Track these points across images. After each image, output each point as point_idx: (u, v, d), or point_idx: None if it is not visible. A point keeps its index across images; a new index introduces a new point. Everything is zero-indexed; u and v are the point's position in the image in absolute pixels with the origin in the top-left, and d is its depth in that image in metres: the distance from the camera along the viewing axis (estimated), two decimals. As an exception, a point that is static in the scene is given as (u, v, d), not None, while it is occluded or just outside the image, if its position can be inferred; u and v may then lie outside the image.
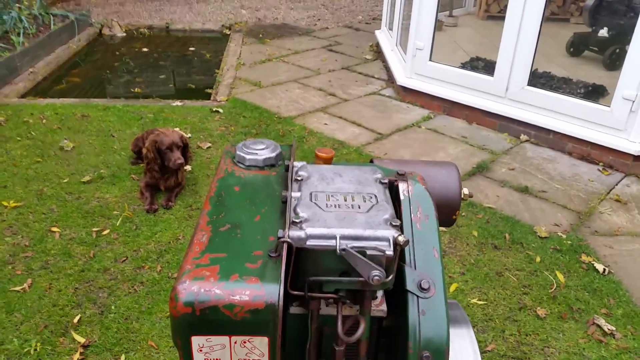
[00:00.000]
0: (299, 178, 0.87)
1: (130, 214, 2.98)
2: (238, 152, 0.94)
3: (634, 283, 2.57)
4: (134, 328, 2.21)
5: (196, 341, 0.69)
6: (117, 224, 2.89)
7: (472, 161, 3.68)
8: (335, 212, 0.78)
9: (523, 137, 4.06)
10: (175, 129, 3.39)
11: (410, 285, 0.80)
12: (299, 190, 0.84)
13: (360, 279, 0.73)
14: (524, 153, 3.86)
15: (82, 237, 2.77)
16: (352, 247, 0.72)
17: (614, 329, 2.26)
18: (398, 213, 0.86)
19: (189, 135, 3.90)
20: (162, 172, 3.10)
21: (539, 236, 2.88)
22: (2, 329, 2.18)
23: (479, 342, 1.78)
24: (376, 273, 0.71)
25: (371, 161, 1.04)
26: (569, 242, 2.84)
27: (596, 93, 4.29)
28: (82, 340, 2.13)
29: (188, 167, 3.41)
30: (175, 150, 3.03)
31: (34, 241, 2.72)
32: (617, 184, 3.49)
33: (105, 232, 2.81)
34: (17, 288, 2.39)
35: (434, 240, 0.83)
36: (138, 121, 4.18)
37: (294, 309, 0.83)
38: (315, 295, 0.77)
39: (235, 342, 0.70)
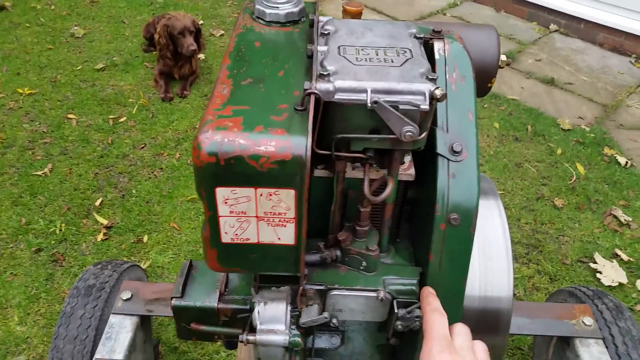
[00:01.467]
0: (325, 32, 0.80)
1: (145, 102, 2.94)
2: (257, 7, 0.87)
3: (655, 176, 2.53)
4: (156, 211, 2.26)
5: (221, 193, 0.68)
6: (134, 112, 2.86)
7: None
8: (366, 65, 0.72)
9: (553, 26, 3.83)
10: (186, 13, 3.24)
11: (442, 148, 0.76)
12: (326, 44, 0.78)
13: (392, 136, 0.69)
14: (552, 43, 3.66)
15: (99, 124, 2.76)
16: (385, 101, 0.67)
17: (630, 219, 2.26)
18: (433, 69, 0.80)
19: (201, 22, 3.74)
20: (175, 59, 3.01)
21: (562, 128, 2.80)
22: (28, 210, 2.24)
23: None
24: (409, 129, 0.67)
25: None
26: (592, 134, 2.77)
27: (637, -22, 3.98)
28: (104, 221, 2.19)
29: (201, 56, 3.31)
30: (187, 35, 2.91)
31: (51, 127, 2.73)
32: (648, 77, 3.33)
33: (122, 120, 2.80)
34: (39, 172, 2.43)
35: (470, 103, 0.78)
36: (148, 7, 4.01)
37: (319, 172, 0.81)
38: (342, 155, 0.74)
39: (261, 195, 0.68)
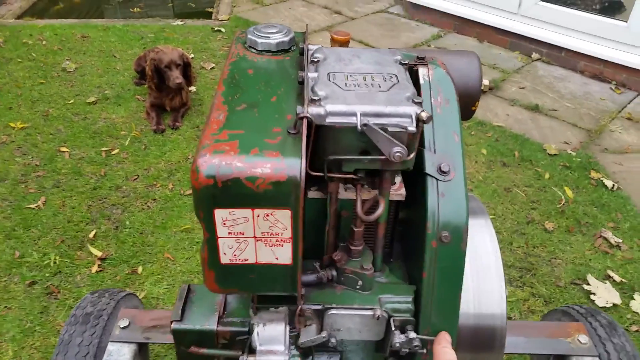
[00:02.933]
0: (315, 59, 0.84)
1: (138, 134, 2.97)
2: (249, 37, 0.91)
3: (641, 198, 2.59)
4: (150, 242, 2.26)
5: (219, 214, 0.70)
6: (126, 144, 2.88)
7: (483, 80, 3.60)
8: (355, 90, 0.76)
9: (534, 55, 3.95)
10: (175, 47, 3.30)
11: (430, 168, 0.79)
12: (316, 70, 0.81)
13: (381, 157, 0.72)
14: (535, 72, 3.77)
15: (91, 157, 2.77)
16: (374, 124, 0.70)
17: (620, 241, 2.30)
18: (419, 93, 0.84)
19: (192, 55, 3.80)
20: (164, 92, 3.05)
21: (548, 153, 2.87)
22: (21, 243, 2.23)
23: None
24: (398, 149, 0.70)
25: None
26: (579, 159, 2.83)
27: (613, 8, 4.12)
28: (99, 253, 2.19)
29: (193, 88, 3.35)
30: (174, 68, 2.95)
31: (44, 161, 2.73)
32: (629, 103, 3.43)
33: (114, 152, 2.81)
34: (32, 205, 2.43)
35: (454, 125, 0.82)
36: (139, 41, 4.07)
37: (312, 193, 0.83)
38: (334, 176, 0.76)
39: (258, 215, 0.70)
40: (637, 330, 1.92)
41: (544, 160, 2.81)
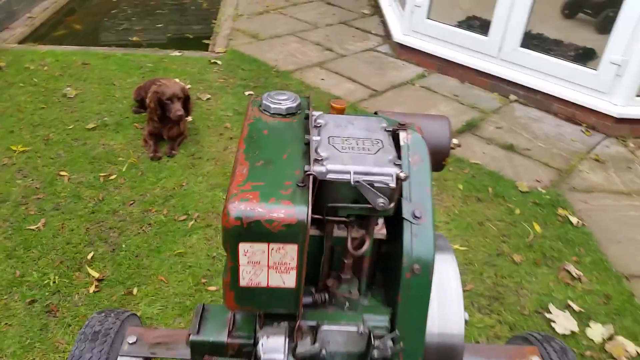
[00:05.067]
0: (318, 125, 1.04)
1: (135, 161, 3.13)
2: (264, 102, 1.11)
3: (603, 235, 2.79)
4: (145, 264, 2.40)
5: (242, 247, 0.88)
6: (124, 170, 3.04)
7: (462, 119, 3.84)
8: (349, 152, 0.96)
9: (512, 97, 4.20)
10: (176, 80, 3.49)
11: (406, 214, 0.98)
12: (319, 135, 1.01)
13: (369, 205, 0.91)
14: (512, 112, 4.02)
15: (90, 181, 2.92)
16: (364, 180, 0.91)
17: (581, 274, 2.49)
18: (399, 156, 1.03)
19: (189, 85, 3.99)
20: (163, 122, 3.22)
21: (520, 190, 3.08)
22: (22, 263, 2.36)
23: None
24: (382, 201, 0.90)
25: (375, 113, 1.20)
26: (548, 196, 3.04)
27: (586, 56, 4.40)
28: (96, 274, 2.32)
29: (189, 118, 3.53)
30: (176, 101, 3.13)
31: (44, 184, 2.87)
32: (597, 145, 3.68)
33: (112, 177, 2.97)
34: (32, 227, 2.56)
35: (426, 180, 1.01)
36: (138, 70, 4.26)
37: (312, 231, 1.01)
38: (331, 219, 0.96)
39: (272, 249, 0.88)
40: (591, 356, 2.10)
41: (516, 197, 3.02)
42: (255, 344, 1.02)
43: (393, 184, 0.92)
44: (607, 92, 3.76)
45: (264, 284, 0.92)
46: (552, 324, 2.20)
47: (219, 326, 1.10)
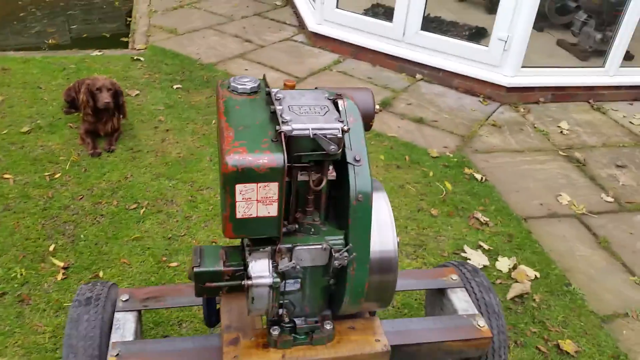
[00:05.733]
0: (278, 98, 1.34)
1: (76, 158, 3.25)
2: (232, 84, 1.39)
3: (503, 186, 3.32)
4: (105, 251, 2.59)
5: (239, 187, 1.17)
6: (67, 168, 3.16)
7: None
8: (306, 115, 1.27)
9: (418, 76, 4.68)
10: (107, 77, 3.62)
11: (350, 158, 1.31)
12: (280, 105, 1.31)
13: (324, 152, 1.23)
14: (418, 90, 4.50)
15: (36, 181, 3.02)
16: (320, 133, 1.22)
17: (488, 220, 2.98)
18: (340, 117, 1.36)
19: (117, 84, 4.10)
20: (98, 117, 3.36)
21: (431, 156, 3.54)
22: (-16, 262, 2.47)
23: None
24: (333, 147, 1.22)
25: (316, 88, 1.52)
26: (455, 159, 3.53)
27: (478, 35, 4.99)
28: (61, 264, 2.48)
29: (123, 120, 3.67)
30: (104, 91, 3.29)
31: (-12, 188, 2.94)
32: (493, 112, 4.24)
33: (57, 176, 3.08)
34: (-14, 228, 2.65)
35: (361, 134, 1.34)
36: (61, 72, 4.30)
37: None
38: (296, 165, 1.27)
39: (260, 187, 1.18)
40: (501, 282, 2.57)
41: (429, 162, 3.48)
42: (246, 268, 1.31)
43: (340, 135, 1.24)
44: (498, 65, 4.33)
45: (254, 214, 1.22)
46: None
47: (214, 260, 1.38)
